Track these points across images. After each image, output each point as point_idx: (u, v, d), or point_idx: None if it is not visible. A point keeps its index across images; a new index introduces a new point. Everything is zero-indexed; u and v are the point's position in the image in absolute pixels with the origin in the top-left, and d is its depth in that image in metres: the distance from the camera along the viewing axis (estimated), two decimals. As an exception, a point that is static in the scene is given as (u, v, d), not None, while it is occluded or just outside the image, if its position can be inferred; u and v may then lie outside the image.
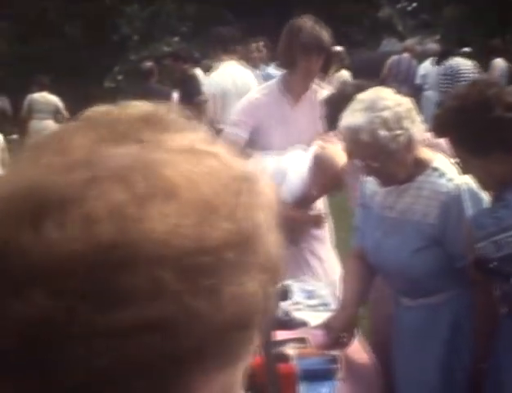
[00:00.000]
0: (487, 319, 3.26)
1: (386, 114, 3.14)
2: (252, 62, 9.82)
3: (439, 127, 3.19)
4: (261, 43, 10.49)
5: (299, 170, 4.42)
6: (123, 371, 0.66)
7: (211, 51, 9.39)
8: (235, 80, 8.33)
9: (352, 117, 3.19)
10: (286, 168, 4.40)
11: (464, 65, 11.94)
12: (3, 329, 0.66)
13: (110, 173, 0.69)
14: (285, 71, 4.78)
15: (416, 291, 3.41)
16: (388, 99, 3.20)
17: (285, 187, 4.36)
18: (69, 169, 0.69)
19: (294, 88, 4.67)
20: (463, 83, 10.63)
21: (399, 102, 3.21)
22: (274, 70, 10.25)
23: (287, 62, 4.67)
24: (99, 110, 0.78)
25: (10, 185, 0.70)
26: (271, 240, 0.75)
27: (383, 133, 3.13)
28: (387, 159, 3.19)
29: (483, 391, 3.25)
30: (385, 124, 3.13)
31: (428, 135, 3.55)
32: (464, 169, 3.16)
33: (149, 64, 11.59)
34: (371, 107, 3.17)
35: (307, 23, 4.64)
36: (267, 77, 9.41)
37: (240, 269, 0.70)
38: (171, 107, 0.80)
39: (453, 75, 11.75)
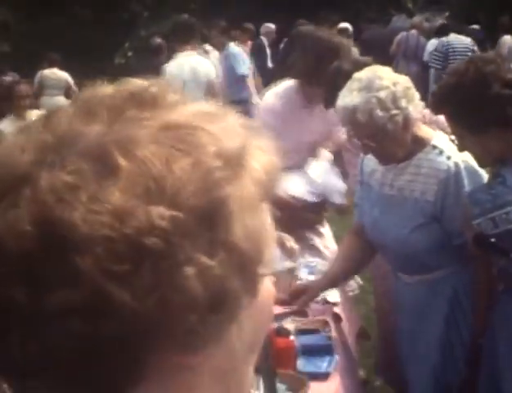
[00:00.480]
0: (485, 296, 3.28)
1: (382, 94, 3.13)
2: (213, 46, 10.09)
3: (437, 103, 3.19)
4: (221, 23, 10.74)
5: (332, 173, 4.42)
6: (55, 355, 0.69)
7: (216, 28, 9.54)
8: (191, 70, 8.42)
9: (348, 97, 3.19)
10: (322, 179, 4.40)
11: (458, 42, 11.77)
12: None
13: (59, 155, 0.70)
14: (302, 79, 4.49)
15: (414, 267, 3.43)
16: (384, 78, 3.19)
17: (335, 194, 4.39)
18: (23, 150, 0.72)
19: (315, 97, 4.44)
20: (453, 60, 10.55)
21: (396, 81, 3.19)
22: (235, 49, 10.36)
23: (314, 76, 4.34)
24: (94, 88, 0.79)
25: None
26: (254, 217, 0.74)
27: (379, 113, 3.13)
28: (384, 138, 3.20)
29: (480, 365, 3.28)
30: (381, 104, 3.13)
31: (427, 112, 3.56)
32: (462, 146, 3.16)
33: (158, 40, 11.58)
34: (368, 87, 3.16)
35: (343, 41, 4.44)
36: (227, 57, 9.62)
37: (182, 251, 0.69)
38: (168, 84, 0.80)
39: (444, 52, 11.63)
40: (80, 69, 12.75)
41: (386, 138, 3.20)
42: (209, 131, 0.73)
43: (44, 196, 0.68)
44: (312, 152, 4.54)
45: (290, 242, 3.85)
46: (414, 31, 13.89)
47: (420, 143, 3.31)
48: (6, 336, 0.69)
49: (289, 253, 3.77)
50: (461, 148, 3.17)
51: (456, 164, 3.22)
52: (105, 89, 0.78)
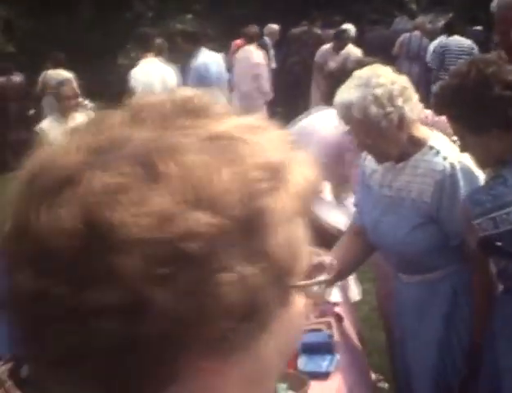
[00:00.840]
0: (485, 295, 3.29)
1: (379, 91, 3.14)
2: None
3: (439, 105, 3.21)
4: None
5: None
6: (87, 352, 0.70)
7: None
8: (161, 77, 8.52)
9: (346, 93, 3.21)
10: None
11: (455, 44, 11.69)
12: (12, 300, 0.73)
13: (107, 158, 0.72)
14: None
15: (414, 268, 3.43)
16: (382, 76, 3.19)
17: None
18: (73, 151, 0.74)
19: None
20: (449, 62, 10.53)
21: (394, 80, 3.20)
22: (207, 56, 10.06)
23: None
24: (144, 97, 0.82)
25: (29, 165, 0.76)
26: (290, 230, 0.76)
27: (374, 109, 3.14)
28: (378, 136, 3.20)
29: (480, 366, 3.29)
30: (377, 100, 3.13)
31: (429, 113, 3.56)
32: (463, 147, 3.16)
33: (158, 41, 11.51)
34: (365, 84, 3.17)
35: None
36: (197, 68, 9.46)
37: (220, 258, 0.70)
38: (214, 94, 0.82)
39: (441, 54, 11.57)
40: (84, 69, 12.78)
41: (380, 136, 3.20)
42: (252, 143, 0.75)
43: (87, 196, 0.69)
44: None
45: (328, 258, 3.83)
46: (417, 32, 13.84)
47: (417, 144, 3.31)
48: (42, 328, 0.71)
49: (327, 268, 3.76)
50: (463, 149, 3.18)
51: (452, 165, 3.23)
52: (156, 97, 0.81)
